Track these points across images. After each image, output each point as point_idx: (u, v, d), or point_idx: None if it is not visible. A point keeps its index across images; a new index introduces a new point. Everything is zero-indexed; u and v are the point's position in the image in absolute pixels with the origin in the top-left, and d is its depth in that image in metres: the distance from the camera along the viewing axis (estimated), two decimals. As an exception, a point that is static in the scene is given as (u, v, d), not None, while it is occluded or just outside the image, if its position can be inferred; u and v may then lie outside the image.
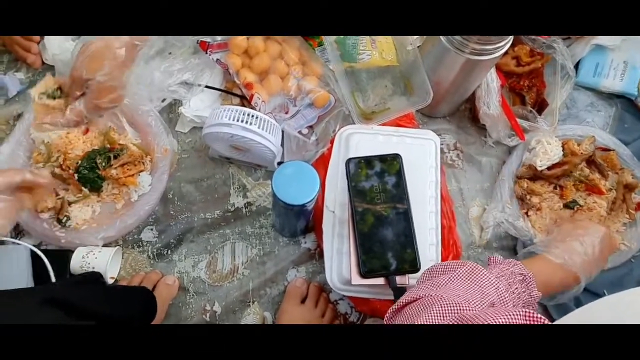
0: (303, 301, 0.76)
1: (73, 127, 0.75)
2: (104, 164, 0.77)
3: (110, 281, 0.74)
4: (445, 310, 0.43)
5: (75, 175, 0.76)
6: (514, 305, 0.51)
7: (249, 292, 0.77)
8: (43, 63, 0.87)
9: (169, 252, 0.79)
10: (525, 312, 0.39)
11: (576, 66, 0.93)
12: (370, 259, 0.67)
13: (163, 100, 0.86)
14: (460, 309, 0.43)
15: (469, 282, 0.50)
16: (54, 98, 0.69)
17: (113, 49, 0.63)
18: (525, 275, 0.54)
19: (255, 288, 0.78)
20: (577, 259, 0.59)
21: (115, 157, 0.77)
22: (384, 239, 0.68)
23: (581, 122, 0.92)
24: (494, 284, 0.50)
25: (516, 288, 0.53)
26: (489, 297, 0.48)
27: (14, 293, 0.53)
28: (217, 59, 0.83)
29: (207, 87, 0.85)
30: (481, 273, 0.51)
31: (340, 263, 0.71)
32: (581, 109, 0.94)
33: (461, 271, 0.51)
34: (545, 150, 0.82)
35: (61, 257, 0.74)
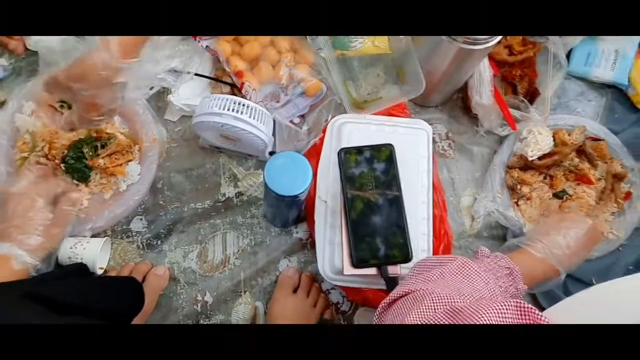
0: (295, 291, 0.76)
1: (69, 131, 0.76)
2: (91, 154, 0.75)
3: (99, 272, 0.73)
4: (436, 303, 0.43)
5: (62, 165, 0.74)
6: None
7: (240, 282, 0.77)
8: (26, 49, 0.85)
9: (159, 242, 0.78)
10: (517, 302, 0.39)
11: (568, 55, 0.93)
12: (362, 249, 0.67)
13: (151, 89, 0.84)
14: (452, 302, 0.44)
15: (460, 276, 0.50)
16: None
17: (95, 70, 0.60)
18: (511, 269, 0.54)
19: (247, 278, 0.77)
20: (558, 253, 0.60)
21: (102, 147, 0.76)
22: (376, 229, 0.67)
23: (572, 112, 0.93)
24: (484, 279, 0.50)
25: (503, 282, 0.53)
26: (480, 291, 0.48)
27: None
28: (207, 46, 0.81)
29: (196, 74, 0.83)
30: (471, 268, 0.51)
31: (332, 253, 0.71)
32: (572, 98, 0.94)
33: (452, 266, 0.51)
34: (537, 140, 0.83)
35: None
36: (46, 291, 0.52)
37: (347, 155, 0.70)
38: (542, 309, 0.76)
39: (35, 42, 0.82)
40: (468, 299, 0.46)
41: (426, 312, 0.43)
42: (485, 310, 0.38)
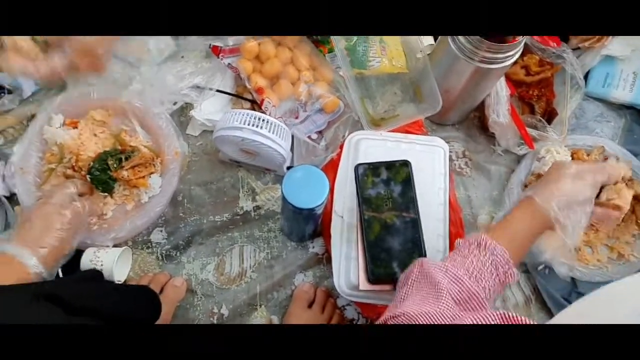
0: (310, 306, 0.76)
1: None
2: (115, 166, 0.77)
3: (119, 281, 0.75)
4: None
5: (88, 176, 0.76)
6: (483, 288, 0.52)
7: (256, 296, 0.78)
8: None
9: (178, 253, 0.79)
10: (502, 313, 0.40)
11: (586, 76, 0.93)
12: (378, 265, 0.67)
13: (175, 104, 0.87)
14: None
15: (422, 284, 0.53)
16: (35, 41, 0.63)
17: None
18: (479, 242, 0.54)
19: (263, 292, 0.78)
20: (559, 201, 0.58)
21: (126, 159, 0.78)
22: (392, 245, 0.68)
23: (590, 133, 0.92)
24: (447, 275, 0.51)
25: (483, 275, 0.53)
26: (444, 291, 0.49)
27: (7, 287, 0.53)
28: (229, 64, 0.84)
29: (218, 91, 0.86)
30: (429, 275, 0.52)
31: (348, 268, 0.71)
32: (590, 119, 0.94)
33: (414, 277, 0.54)
34: (555, 159, 0.82)
35: (73, 256, 0.74)
36: (59, 292, 0.52)
37: (364, 176, 0.71)
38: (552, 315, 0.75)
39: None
40: (433, 306, 0.48)
41: None
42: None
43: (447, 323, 0.46)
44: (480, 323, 0.40)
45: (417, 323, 0.46)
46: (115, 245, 0.76)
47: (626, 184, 0.62)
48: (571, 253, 0.60)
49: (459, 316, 0.46)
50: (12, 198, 0.79)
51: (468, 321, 0.41)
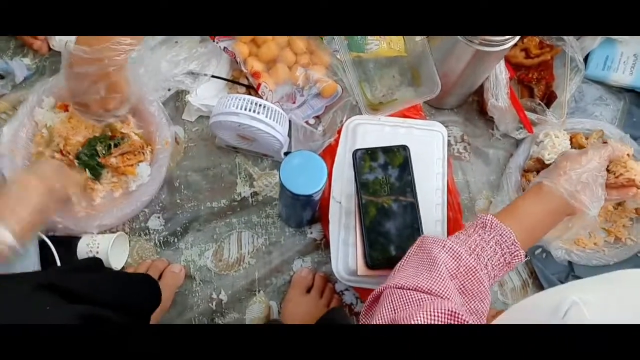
0: (308, 291, 0.76)
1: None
2: (104, 152, 0.76)
3: (114, 267, 0.74)
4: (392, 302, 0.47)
5: (76, 161, 0.76)
6: (485, 266, 0.51)
7: (255, 282, 0.78)
8: (50, 49, 0.87)
9: (176, 240, 0.79)
10: (451, 311, 0.42)
11: (585, 59, 0.92)
12: (377, 250, 0.67)
13: (169, 90, 0.86)
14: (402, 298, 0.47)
15: (418, 257, 0.53)
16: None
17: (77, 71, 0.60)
18: (485, 222, 0.53)
19: (261, 277, 0.78)
20: (569, 188, 0.56)
21: (115, 146, 0.77)
22: (391, 230, 0.68)
23: (589, 116, 0.92)
24: (445, 250, 0.52)
25: (485, 252, 0.52)
26: (440, 264, 0.50)
27: (8, 277, 0.53)
28: (225, 47, 0.82)
29: (213, 76, 0.84)
30: (428, 246, 0.53)
31: (347, 253, 0.71)
32: (589, 102, 0.93)
33: (412, 251, 0.55)
34: (553, 143, 0.82)
35: (69, 243, 0.74)
36: (60, 282, 0.52)
37: (361, 160, 0.70)
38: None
39: (59, 42, 0.84)
40: (426, 277, 0.48)
41: (385, 313, 0.47)
42: (417, 317, 0.42)
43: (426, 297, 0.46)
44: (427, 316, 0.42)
45: (401, 295, 0.47)
46: (100, 232, 0.76)
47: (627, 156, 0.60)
48: (596, 223, 0.57)
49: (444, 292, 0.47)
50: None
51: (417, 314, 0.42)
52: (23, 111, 0.78)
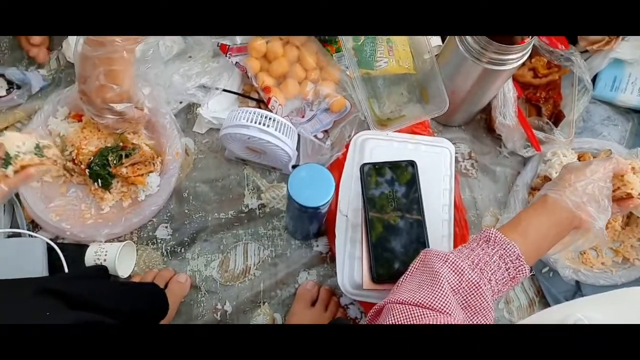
0: (313, 304, 0.76)
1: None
2: (115, 162, 0.77)
3: (121, 275, 0.75)
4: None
5: (87, 170, 0.77)
6: (488, 280, 0.51)
7: (260, 293, 0.78)
8: (50, 53, 0.89)
9: (183, 250, 0.80)
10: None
11: (594, 79, 0.93)
12: (383, 264, 0.67)
13: (180, 103, 0.87)
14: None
15: (421, 271, 0.52)
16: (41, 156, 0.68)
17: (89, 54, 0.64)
18: (489, 237, 0.53)
19: (266, 289, 0.78)
20: (576, 199, 0.55)
21: (126, 156, 0.78)
22: (397, 245, 0.68)
23: (597, 136, 0.92)
24: (447, 264, 0.51)
25: (489, 267, 0.51)
26: (442, 279, 0.49)
27: (11, 281, 0.53)
28: (237, 62, 0.84)
29: (225, 90, 0.86)
30: (430, 260, 0.52)
31: (352, 267, 0.71)
32: (597, 122, 0.94)
33: (415, 265, 0.54)
34: (561, 162, 0.82)
35: (78, 251, 0.75)
36: (62, 287, 0.52)
37: (368, 175, 0.71)
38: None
39: (74, 54, 0.86)
40: (428, 292, 0.48)
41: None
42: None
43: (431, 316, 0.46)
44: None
45: (403, 312, 0.47)
46: (108, 241, 0.77)
47: (632, 170, 0.60)
48: (604, 236, 0.56)
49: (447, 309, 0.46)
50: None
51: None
52: (37, 120, 0.80)
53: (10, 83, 0.86)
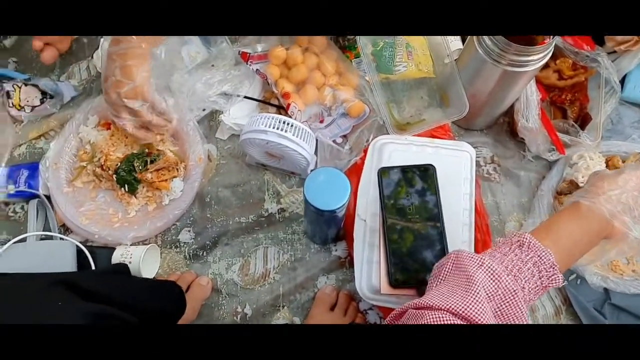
0: (332, 309, 0.76)
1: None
2: (140, 168, 0.80)
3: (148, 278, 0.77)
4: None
5: (114, 176, 0.80)
6: (522, 288, 0.48)
7: (279, 297, 0.79)
8: (67, 54, 0.93)
9: (205, 253, 0.82)
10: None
11: (622, 81, 0.90)
12: (401, 269, 0.67)
13: (203, 110, 0.90)
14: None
15: (454, 275, 0.50)
16: None
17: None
18: (521, 242, 0.50)
19: (286, 293, 0.79)
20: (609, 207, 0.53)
21: (151, 162, 0.81)
22: (416, 249, 0.67)
23: (627, 139, 0.89)
24: (483, 269, 0.48)
25: (523, 274, 0.49)
26: (478, 285, 0.46)
27: (29, 274, 0.54)
28: (257, 70, 0.86)
29: (246, 97, 0.88)
30: (463, 267, 0.49)
31: (370, 272, 0.71)
32: (627, 125, 0.91)
33: (447, 268, 0.51)
34: (588, 165, 0.80)
35: (105, 253, 0.78)
36: (77, 281, 0.52)
37: (386, 180, 0.70)
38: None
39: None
40: (461, 297, 0.44)
41: None
42: None
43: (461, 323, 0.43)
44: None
45: (434, 317, 0.43)
46: (134, 244, 0.80)
47: None
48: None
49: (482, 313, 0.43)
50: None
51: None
52: (69, 128, 0.84)
53: (43, 93, 0.90)
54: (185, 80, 0.87)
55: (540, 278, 0.49)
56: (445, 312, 0.43)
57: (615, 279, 0.76)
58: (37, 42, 0.81)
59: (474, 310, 0.43)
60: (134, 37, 0.69)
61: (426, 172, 0.71)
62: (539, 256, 0.49)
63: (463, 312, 0.43)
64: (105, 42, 0.89)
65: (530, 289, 0.48)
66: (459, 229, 0.73)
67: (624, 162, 0.81)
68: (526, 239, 0.50)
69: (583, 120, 0.86)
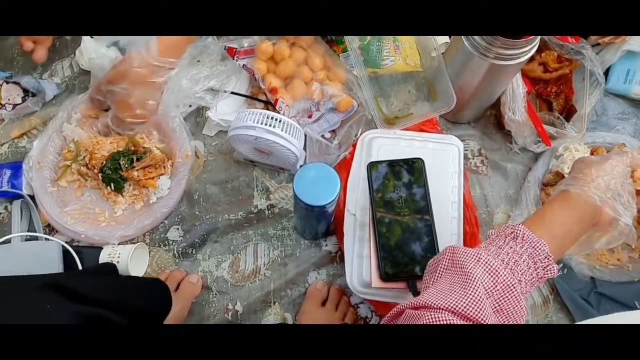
0: (323, 304, 0.76)
1: (104, 136, 0.81)
2: (126, 166, 0.79)
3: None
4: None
5: (100, 174, 0.79)
6: (519, 281, 0.47)
7: (270, 293, 0.78)
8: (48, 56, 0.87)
9: (194, 251, 0.81)
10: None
11: (606, 73, 0.91)
12: (391, 262, 0.67)
13: (190, 106, 0.89)
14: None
15: (451, 272, 0.49)
16: None
17: (131, 66, 0.64)
18: (515, 233, 0.50)
19: (277, 289, 0.79)
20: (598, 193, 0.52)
21: (138, 160, 0.80)
22: (405, 243, 0.68)
23: (611, 130, 0.90)
24: (480, 264, 0.47)
25: (519, 267, 0.48)
26: (476, 281, 0.45)
27: (16, 277, 0.53)
28: (244, 65, 0.85)
29: (233, 93, 0.87)
30: (460, 263, 0.48)
31: (361, 266, 0.71)
32: (611, 116, 0.92)
33: (444, 265, 0.50)
34: (573, 157, 0.81)
35: (92, 253, 0.77)
36: (66, 283, 0.51)
37: (375, 175, 0.71)
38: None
39: (89, 60, 0.88)
40: (460, 294, 0.44)
41: None
42: None
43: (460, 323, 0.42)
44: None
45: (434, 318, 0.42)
46: (121, 243, 0.79)
47: None
48: (633, 232, 0.54)
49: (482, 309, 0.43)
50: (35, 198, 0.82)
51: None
52: (52, 127, 0.82)
53: (25, 91, 0.88)
54: (171, 76, 0.86)
55: (535, 269, 0.49)
56: (444, 312, 0.43)
57: (600, 268, 0.77)
58: (29, 43, 0.78)
59: (473, 308, 0.42)
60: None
61: (415, 166, 0.71)
62: (533, 247, 0.49)
63: (463, 310, 0.42)
64: (88, 39, 0.87)
65: (527, 281, 0.48)
66: (447, 222, 0.73)
67: (608, 152, 0.82)
68: (520, 230, 0.50)
69: (568, 112, 0.87)
